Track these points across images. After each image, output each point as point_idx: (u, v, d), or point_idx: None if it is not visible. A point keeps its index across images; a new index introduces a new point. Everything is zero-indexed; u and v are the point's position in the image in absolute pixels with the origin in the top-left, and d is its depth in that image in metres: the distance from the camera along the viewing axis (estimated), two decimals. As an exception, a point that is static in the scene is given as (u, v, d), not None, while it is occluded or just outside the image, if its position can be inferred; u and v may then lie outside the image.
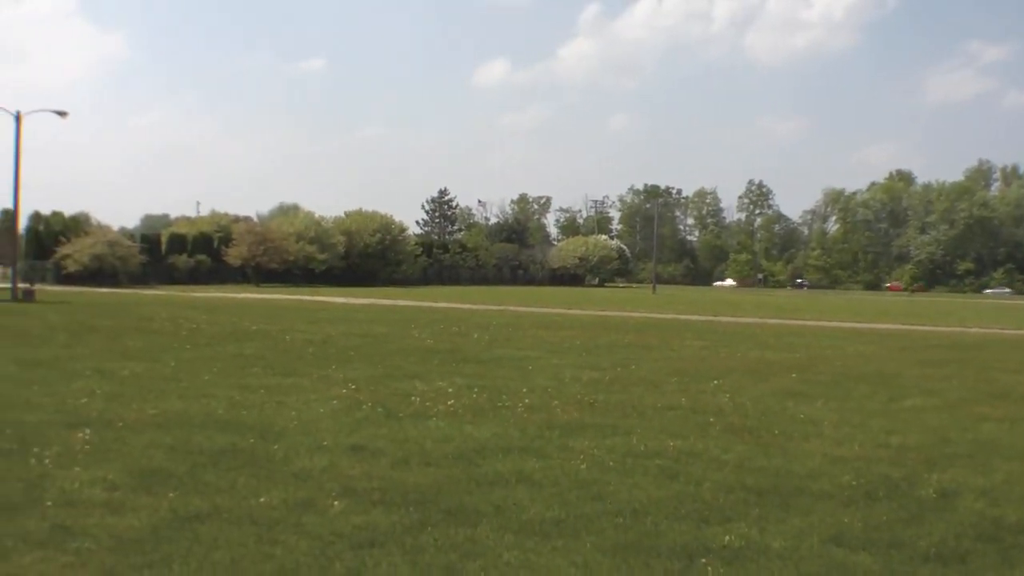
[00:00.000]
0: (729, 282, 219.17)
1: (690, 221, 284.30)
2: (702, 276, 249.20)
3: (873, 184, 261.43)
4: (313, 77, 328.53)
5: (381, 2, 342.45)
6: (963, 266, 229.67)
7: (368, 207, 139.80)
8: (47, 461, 11.66)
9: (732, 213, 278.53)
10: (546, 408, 17.01)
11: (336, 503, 10.04)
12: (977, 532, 9.76)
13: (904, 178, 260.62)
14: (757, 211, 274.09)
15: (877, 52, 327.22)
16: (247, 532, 9.02)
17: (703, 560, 8.56)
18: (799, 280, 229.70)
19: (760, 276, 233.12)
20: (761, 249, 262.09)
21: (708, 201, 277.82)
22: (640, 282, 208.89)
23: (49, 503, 9.83)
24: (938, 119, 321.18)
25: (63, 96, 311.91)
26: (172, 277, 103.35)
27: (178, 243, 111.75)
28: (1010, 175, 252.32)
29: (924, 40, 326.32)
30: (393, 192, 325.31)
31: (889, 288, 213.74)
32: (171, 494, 10.24)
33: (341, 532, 9.08)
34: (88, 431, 13.54)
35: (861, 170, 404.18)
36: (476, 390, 19.12)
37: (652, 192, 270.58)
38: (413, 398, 17.74)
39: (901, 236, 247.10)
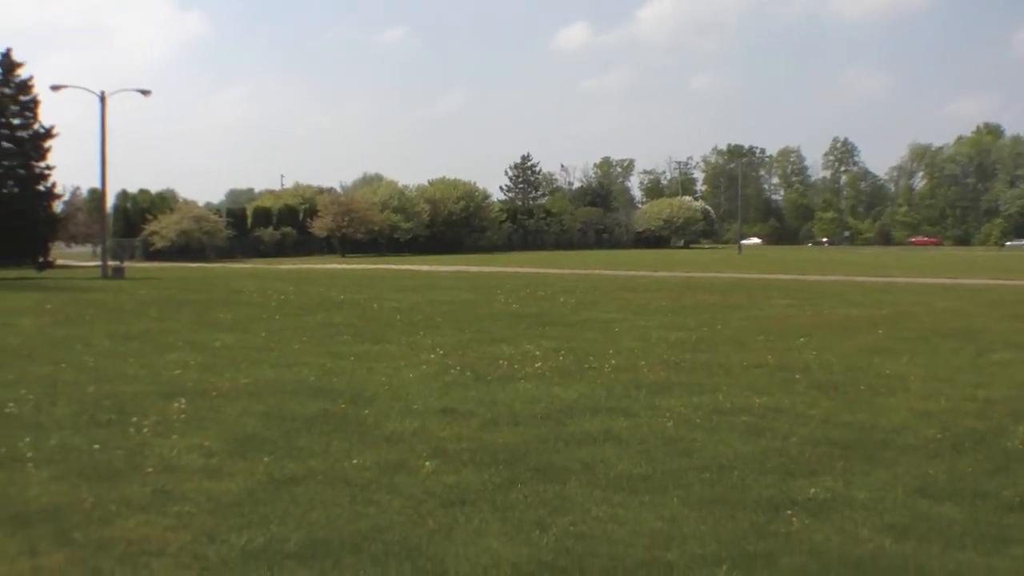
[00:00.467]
0: (755, 240, 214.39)
1: (775, 180, 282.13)
2: (788, 235, 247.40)
3: (960, 138, 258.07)
4: (394, 47, 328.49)
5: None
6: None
7: (451, 175, 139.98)
8: (145, 430, 11.96)
9: (817, 171, 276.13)
10: (633, 368, 17.15)
11: (427, 464, 10.24)
12: (1063, 481, 9.78)
13: (992, 131, 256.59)
14: (842, 168, 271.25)
15: (964, 3, 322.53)
16: (341, 493, 9.23)
17: (788, 512, 8.67)
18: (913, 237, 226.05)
19: (847, 233, 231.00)
20: (847, 207, 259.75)
21: (792, 159, 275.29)
22: (725, 243, 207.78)
23: (149, 469, 10.10)
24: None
25: (146, 75, 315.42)
26: (258, 250, 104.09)
27: (263, 216, 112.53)
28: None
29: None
30: (476, 159, 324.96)
31: (915, 243, 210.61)
32: (266, 459, 10.50)
33: (433, 491, 9.28)
34: (183, 400, 13.83)
35: (948, 125, 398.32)
36: (563, 352, 19.28)
37: (736, 152, 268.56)
38: (501, 362, 17.93)
39: (990, 190, 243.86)
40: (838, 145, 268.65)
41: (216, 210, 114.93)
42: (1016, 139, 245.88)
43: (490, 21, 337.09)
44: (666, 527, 8.28)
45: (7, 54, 56.13)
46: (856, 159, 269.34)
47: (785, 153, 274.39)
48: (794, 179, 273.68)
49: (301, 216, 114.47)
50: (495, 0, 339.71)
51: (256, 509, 8.76)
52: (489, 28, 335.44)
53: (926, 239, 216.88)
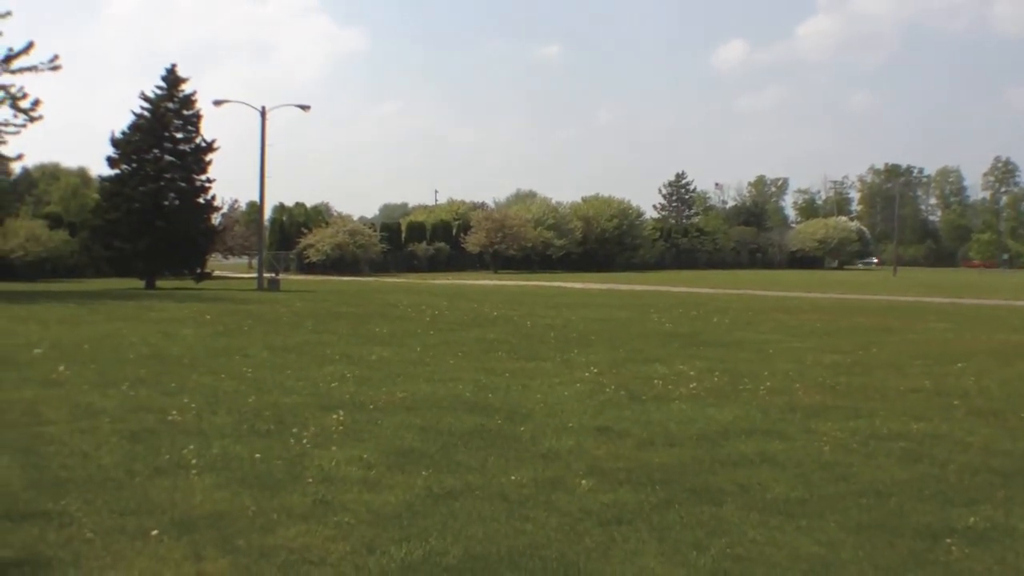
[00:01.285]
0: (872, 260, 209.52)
1: (932, 201, 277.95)
2: (945, 257, 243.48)
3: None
4: (548, 63, 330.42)
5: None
6: None
7: (605, 192, 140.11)
8: (305, 441, 12.20)
9: (976, 192, 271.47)
10: (788, 391, 17.06)
11: (583, 482, 10.30)
12: None
13: None
14: (1003, 189, 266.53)
15: None
16: (499, 508, 9.34)
17: (948, 540, 8.57)
18: None
19: (1006, 256, 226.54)
20: (1007, 228, 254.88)
21: (951, 180, 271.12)
22: (881, 264, 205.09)
23: (310, 480, 10.30)
24: None
25: (305, 90, 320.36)
26: (412, 264, 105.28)
27: (417, 231, 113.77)
28: None
29: None
30: (630, 177, 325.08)
31: (964, 265, 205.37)
32: (424, 472, 10.64)
33: (589, 509, 9.34)
34: (342, 413, 14.05)
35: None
36: (717, 373, 19.24)
37: (893, 171, 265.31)
38: (655, 381, 17.95)
39: None
40: (999, 165, 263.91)
41: (370, 224, 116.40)
42: None
43: (646, 37, 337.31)
44: (824, 552, 8.25)
45: (172, 70, 57.76)
46: (1018, 179, 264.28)
47: (944, 173, 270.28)
48: (952, 199, 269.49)
49: (454, 231, 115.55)
50: (652, 16, 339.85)
51: (415, 522, 8.89)
52: (645, 44, 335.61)
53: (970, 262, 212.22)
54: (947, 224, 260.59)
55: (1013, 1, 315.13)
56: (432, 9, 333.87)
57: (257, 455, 11.33)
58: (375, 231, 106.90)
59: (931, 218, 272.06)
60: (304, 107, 62.07)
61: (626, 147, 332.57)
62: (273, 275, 60.85)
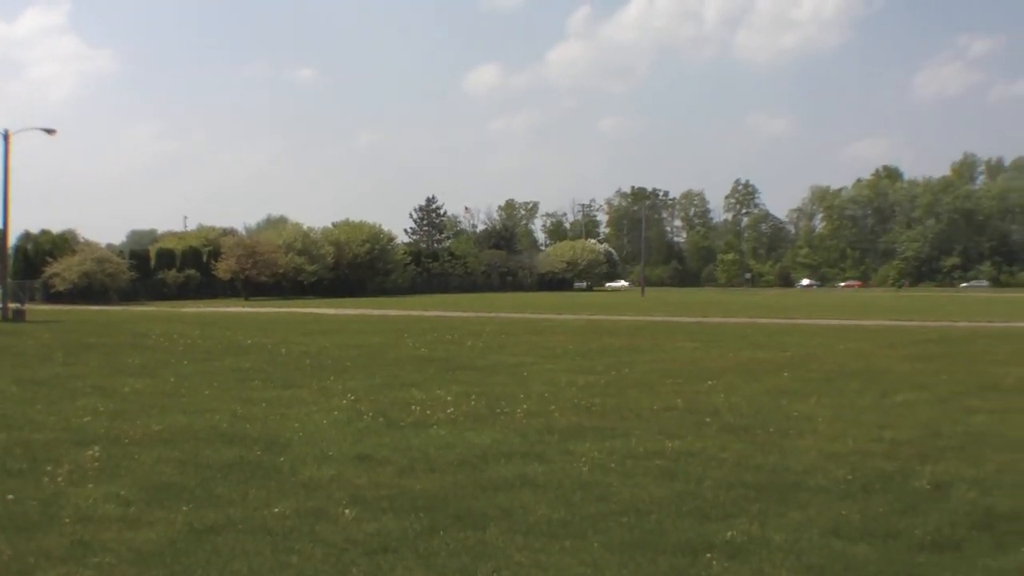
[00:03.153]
0: (622, 283, 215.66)
1: (677, 223, 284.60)
2: (690, 277, 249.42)
3: (859, 181, 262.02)
4: (303, 87, 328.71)
5: (370, 10, 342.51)
6: (949, 261, 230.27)
7: (357, 217, 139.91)
8: (60, 479, 11.86)
9: (719, 214, 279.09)
10: (544, 413, 17.25)
11: (347, 511, 10.27)
12: (970, 521, 10.04)
13: (890, 174, 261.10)
14: (744, 210, 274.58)
15: (866, 49, 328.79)
16: (263, 542, 9.25)
17: (708, 555, 8.81)
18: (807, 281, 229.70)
19: (748, 275, 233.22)
20: (748, 248, 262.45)
21: (695, 202, 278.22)
22: (630, 285, 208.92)
23: (66, 520, 10.02)
24: (927, 114, 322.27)
25: (53, 112, 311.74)
26: (161, 293, 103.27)
27: (167, 258, 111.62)
28: (995, 168, 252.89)
29: (913, 35, 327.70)
30: (382, 201, 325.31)
31: (845, 287, 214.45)
32: (185, 507, 10.46)
33: (354, 539, 9.32)
34: (97, 448, 13.71)
35: (850, 167, 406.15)
36: (474, 397, 19.34)
37: (639, 194, 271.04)
38: (413, 407, 17.97)
39: (888, 232, 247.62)
40: (740, 188, 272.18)
41: (119, 251, 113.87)
42: (912, 182, 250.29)
43: (400, 62, 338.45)
44: (588, 572, 8.40)
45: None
46: (757, 202, 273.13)
47: (688, 196, 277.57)
48: (696, 221, 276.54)
49: (205, 258, 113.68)
50: (406, 40, 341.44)
51: (178, 559, 8.74)
52: (399, 69, 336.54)
53: (852, 283, 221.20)
54: (692, 245, 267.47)
55: (755, 30, 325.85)
56: (185, 31, 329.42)
57: (10, 496, 10.96)
58: (123, 258, 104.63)
59: (676, 239, 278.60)
60: (49, 131, 60.50)
61: (379, 171, 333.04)
62: (18, 305, 58.93)
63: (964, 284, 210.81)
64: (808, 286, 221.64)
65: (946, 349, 32.39)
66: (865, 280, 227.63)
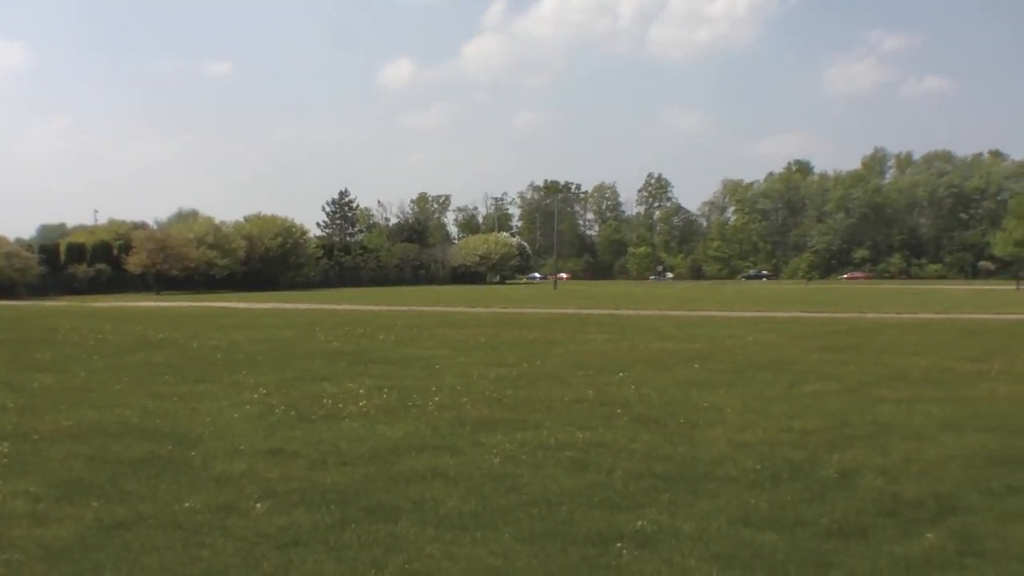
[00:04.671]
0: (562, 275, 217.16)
1: (590, 216, 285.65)
2: (603, 270, 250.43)
3: (771, 175, 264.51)
4: (218, 80, 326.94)
5: (286, 3, 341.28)
6: (859, 253, 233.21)
7: (270, 211, 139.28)
8: (-34, 476, 11.74)
9: (631, 207, 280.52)
10: (456, 406, 17.27)
11: (258, 505, 10.26)
12: (877, 508, 10.20)
13: (802, 168, 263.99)
14: (656, 204, 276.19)
15: (779, 45, 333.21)
16: (173, 537, 9.21)
17: (618, 545, 8.89)
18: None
19: (660, 268, 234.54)
20: (660, 242, 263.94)
21: (608, 195, 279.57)
22: (544, 278, 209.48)
23: (-26, 517, 9.94)
24: (839, 109, 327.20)
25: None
26: (72, 287, 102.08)
27: (77, 253, 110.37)
28: (904, 162, 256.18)
29: (826, 32, 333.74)
30: (295, 195, 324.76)
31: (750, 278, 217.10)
32: (95, 503, 10.39)
33: (266, 533, 9.31)
34: (5, 445, 13.56)
35: (763, 161, 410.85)
36: (386, 390, 19.32)
37: (552, 188, 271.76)
38: (324, 400, 17.93)
39: (799, 225, 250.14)
40: (652, 181, 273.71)
41: (28, 246, 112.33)
42: (823, 176, 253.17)
43: (316, 56, 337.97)
44: (500, 563, 8.45)
45: None
46: (670, 195, 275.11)
47: (601, 189, 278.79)
48: (608, 215, 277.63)
49: (116, 252, 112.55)
50: (322, 34, 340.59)
51: (88, 555, 8.69)
52: (315, 63, 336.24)
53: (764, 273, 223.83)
54: (604, 239, 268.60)
55: (670, 26, 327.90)
56: (98, 24, 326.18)
57: (-85, 493, 10.87)
58: (33, 253, 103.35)
59: (589, 233, 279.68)
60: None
61: (293, 165, 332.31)
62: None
63: (844, 276, 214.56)
64: (756, 276, 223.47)
65: (855, 340, 32.75)
66: (770, 273, 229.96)
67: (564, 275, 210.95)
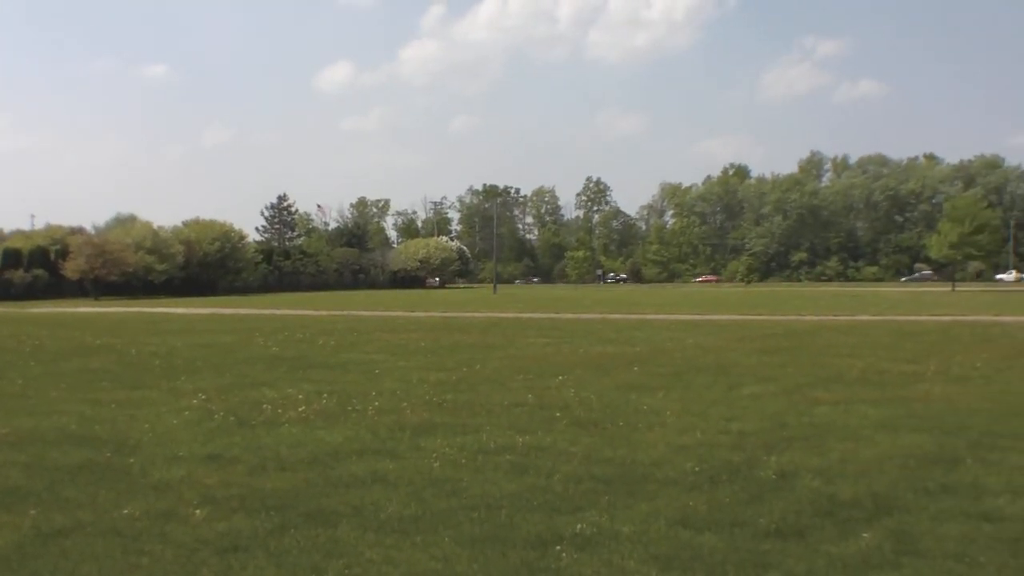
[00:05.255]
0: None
1: (529, 220, 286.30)
2: (542, 273, 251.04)
3: (709, 178, 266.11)
4: (154, 84, 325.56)
5: (224, 6, 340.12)
6: (797, 256, 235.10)
7: (208, 216, 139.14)
8: (-100, 484, 11.64)
9: (571, 211, 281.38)
10: (396, 410, 17.26)
11: (198, 511, 10.22)
12: (814, 508, 10.29)
13: (739, 172, 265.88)
14: (595, 208, 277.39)
15: (716, 49, 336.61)
16: (113, 544, 9.18)
17: (557, 547, 8.93)
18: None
19: (599, 272, 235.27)
20: (600, 245, 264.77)
21: (547, 199, 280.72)
22: (481, 282, 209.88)
23: (-92, 525, 9.86)
24: (775, 113, 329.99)
25: None
26: (8, 293, 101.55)
27: (13, 258, 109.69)
28: (841, 165, 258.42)
29: (762, 37, 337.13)
30: (233, 200, 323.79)
31: (700, 282, 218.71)
32: (32, 511, 10.32)
33: (205, 539, 9.29)
34: (-60, 452, 13.50)
35: (700, 165, 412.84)
36: (326, 395, 19.29)
37: (491, 192, 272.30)
38: (264, 406, 17.87)
39: (737, 228, 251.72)
40: (591, 185, 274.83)
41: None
42: (761, 179, 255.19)
43: (253, 59, 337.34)
44: (440, 567, 8.47)
45: None
46: (609, 199, 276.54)
47: (540, 193, 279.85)
48: (548, 218, 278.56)
49: (53, 257, 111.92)
50: (260, 37, 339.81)
51: (25, 563, 8.64)
52: (252, 66, 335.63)
53: (709, 278, 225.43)
54: (544, 242, 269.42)
55: (606, 31, 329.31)
56: (35, 25, 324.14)
57: None
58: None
59: (529, 236, 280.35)
60: None
61: (231, 169, 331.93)
62: None
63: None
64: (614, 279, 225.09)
65: (792, 342, 32.97)
66: (718, 276, 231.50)
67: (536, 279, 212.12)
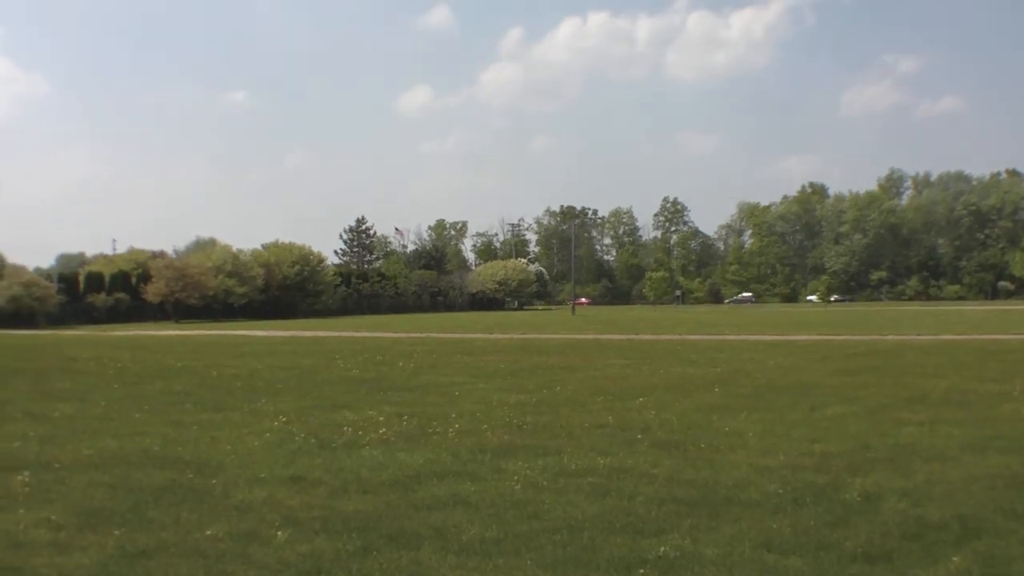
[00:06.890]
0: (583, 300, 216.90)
1: (607, 241, 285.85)
2: (620, 295, 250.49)
3: (787, 197, 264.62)
4: (235, 109, 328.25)
5: (303, 31, 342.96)
6: (877, 275, 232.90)
7: (288, 239, 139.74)
8: (-11, 505, 11.75)
9: (648, 231, 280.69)
10: (476, 432, 17.24)
11: (280, 533, 10.24)
12: (901, 531, 10.14)
13: (817, 190, 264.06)
14: (673, 228, 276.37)
15: (795, 68, 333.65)
16: (196, 565, 9.20)
17: (640, 571, 8.85)
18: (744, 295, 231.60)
19: (678, 293, 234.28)
20: (678, 266, 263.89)
21: (624, 220, 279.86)
22: (559, 303, 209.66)
23: (-4, 546, 9.94)
24: (854, 132, 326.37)
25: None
26: (91, 316, 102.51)
27: (96, 282, 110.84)
28: (922, 183, 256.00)
29: (840, 55, 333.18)
30: (312, 223, 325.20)
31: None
32: (116, 532, 10.38)
33: (288, 561, 9.29)
34: (27, 473, 13.56)
35: (778, 184, 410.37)
36: (406, 417, 19.31)
37: (568, 213, 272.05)
38: (344, 428, 17.90)
39: (816, 248, 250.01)
40: (668, 205, 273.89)
41: (47, 275, 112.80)
42: (839, 198, 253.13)
43: (334, 83, 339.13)
44: (516, 589, 8.44)
45: None
46: (686, 219, 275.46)
47: (617, 214, 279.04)
48: (626, 239, 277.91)
49: (135, 281, 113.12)
50: (339, 62, 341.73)
51: (110, 584, 8.70)
52: (332, 90, 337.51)
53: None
54: (621, 263, 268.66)
55: (684, 51, 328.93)
56: (115, 54, 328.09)
57: (-62, 523, 10.87)
58: (52, 282, 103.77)
59: (606, 258, 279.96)
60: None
61: (310, 193, 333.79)
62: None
63: (810, 298, 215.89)
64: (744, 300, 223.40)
65: (875, 362, 32.62)
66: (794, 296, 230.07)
67: (584, 300, 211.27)
